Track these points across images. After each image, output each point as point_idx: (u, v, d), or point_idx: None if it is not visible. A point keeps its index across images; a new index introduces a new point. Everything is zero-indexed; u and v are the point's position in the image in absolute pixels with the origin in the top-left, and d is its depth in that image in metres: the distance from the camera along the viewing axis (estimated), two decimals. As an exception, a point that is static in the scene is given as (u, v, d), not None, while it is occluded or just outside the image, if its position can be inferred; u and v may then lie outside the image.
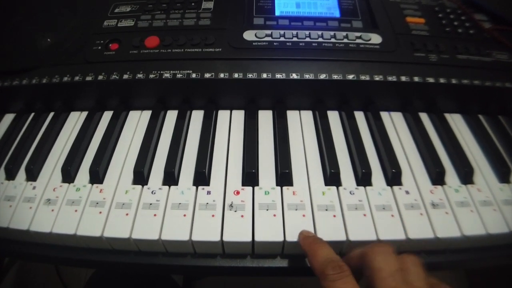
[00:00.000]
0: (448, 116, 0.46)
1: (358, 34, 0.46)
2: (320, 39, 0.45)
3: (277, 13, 0.50)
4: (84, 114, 0.47)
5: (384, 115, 0.45)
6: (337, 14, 0.50)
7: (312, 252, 0.29)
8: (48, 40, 0.48)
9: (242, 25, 0.47)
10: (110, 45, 0.47)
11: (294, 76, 0.42)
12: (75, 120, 0.46)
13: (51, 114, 0.47)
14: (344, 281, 0.26)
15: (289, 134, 0.43)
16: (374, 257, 0.27)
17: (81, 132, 0.44)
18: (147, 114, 0.45)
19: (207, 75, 0.42)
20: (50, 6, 0.51)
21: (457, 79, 0.44)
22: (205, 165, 0.38)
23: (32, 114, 0.47)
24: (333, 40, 0.45)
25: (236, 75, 0.42)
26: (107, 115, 0.46)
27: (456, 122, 0.46)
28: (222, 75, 0.42)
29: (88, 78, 0.44)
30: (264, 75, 0.42)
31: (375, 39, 0.46)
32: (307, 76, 0.42)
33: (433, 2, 0.53)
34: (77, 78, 0.45)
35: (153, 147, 0.42)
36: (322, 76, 0.42)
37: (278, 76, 0.42)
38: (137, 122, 0.45)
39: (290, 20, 0.49)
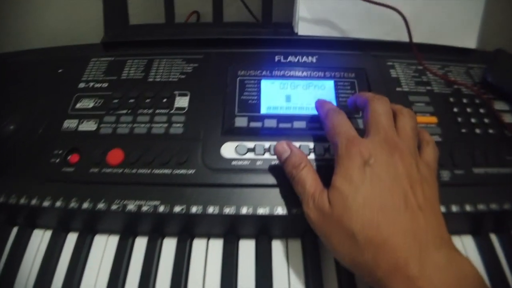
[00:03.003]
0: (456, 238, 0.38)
1: (357, 145, 0.37)
2: (312, 155, 0.37)
3: (263, 110, 0.40)
4: (48, 233, 0.39)
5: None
6: (333, 109, 0.41)
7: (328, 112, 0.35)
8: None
9: (221, 132, 0.38)
10: (69, 157, 0.38)
11: (280, 211, 0.34)
12: (39, 241, 0.39)
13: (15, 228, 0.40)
14: (342, 116, 0.33)
15: (273, 268, 0.35)
16: (374, 101, 0.33)
17: (45, 260, 0.37)
18: (114, 240, 0.38)
19: (177, 209, 0.34)
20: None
21: (472, 205, 0.36)
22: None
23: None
24: (327, 156, 0.37)
25: (211, 210, 0.34)
26: (72, 237, 0.39)
27: (465, 244, 0.38)
28: (194, 209, 0.34)
29: (45, 204, 0.36)
30: (244, 210, 0.34)
31: (378, 152, 0.38)
32: (295, 211, 0.34)
33: (447, 90, 0.43)
34: (34, 201, 0.36)
35: (121, 283, 0.35)
36: (313, 211, 0.34)
37: (261, 211, 0.34)
38: (103, 249, 0.38)
39: (278, 121, 0.40)
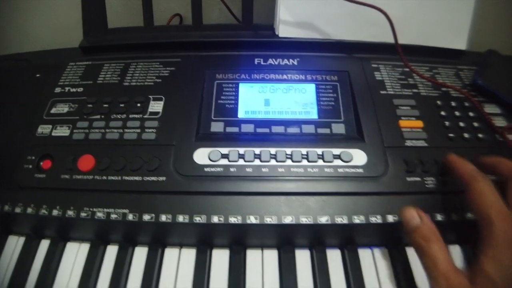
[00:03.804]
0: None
1: (337, 151, 0.35)
2: (289, 162, 0.35)
3: (240, 114, 0.39)
4: (22, 240, 0.38)
5: (365, 252, 0.35)
6: (314, 114, 0.39)
7: (462, 164, 0.33)
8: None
9: (195, 138, 0.36)
10: (42, 162, 0.37)
11: (252, 220, 0.32)
12: (13, 248, 0.38)
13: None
14: (488, 183, 0.30)
15: (246, 278, 0.33)
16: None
17: (17, 267, 0.35)
18: (85, 248, 0.36)
19: (146, 217, 0.33)
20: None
21: (458, 215, 0.33)
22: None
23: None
24: (304, 163, 0.35)
25: (180, 218, 0.32)
26: (45, 244, 0.37)
27: (453, 254, 0.35)
28: (164, 218, 0.33)
29: (17, 210, 0.35)
30: (215, 219, 0.32)
31: (358, 158, 0.35)
32: (268, 220, 0.32)
33: (435, 92, 0.41)
34: (6, 208, 0.35)
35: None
36: (287, 220, 0.32)
37: (232, 220, 0.32)
38: (75, 257, 0.36)
39: (255, 126, 0.38)
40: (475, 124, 0.39)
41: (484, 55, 0.46)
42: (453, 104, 0.40)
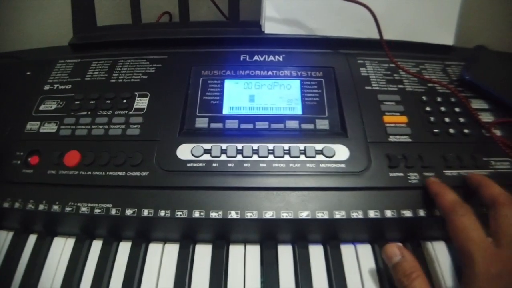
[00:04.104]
0: (429, 245, 0.35)
1: (319, 147, 0.35)
2: (271, 157, 0.35)
3: (225, 110, 0.39)
4: (11, 235, 0.38)
5: (348, 248, 0.35)
6: (299, 110, 0.39)
7: (442, 193, 0.32)
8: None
9: (178, 134, 0.36)
10: (30, 158, 0.37)
11: (233, 214, 0.32)
12: (2, 242, 0.38)
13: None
14: (469, 217, 0.29)
15: (229, 273, 0.33)
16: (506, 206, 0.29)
17: (5, 262, 0.36)
18: (71, 243, 0.36)
19: (128, 212, 0.33)
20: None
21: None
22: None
23: None
24: (286, 158, 0.35)
25: (162, 213, 0.32)
26: (32, 239, 0.37)
27: (437, 251, 0.34)
28: (146, 213, 0.33)
29: (5, 205, 0.35)
30: (196, 214, 0.32)
31: (341, 153, 0.35)
32: (249, 215, 0.32)
33: (420, 88, 0.40)
34: (-5, 202, 0.36)
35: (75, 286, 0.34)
36: (268, 215, 0.32)
37: (213, 215, 0.32)
38: (61, 252, 0.36)
39: (240, 121, 0.38)
40: (461, 119, 0.39)
41: (473, 51, 0.46)
42: (438, 99, 0.40)
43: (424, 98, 0.40)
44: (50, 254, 0.36)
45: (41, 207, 0.35)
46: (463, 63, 0.44)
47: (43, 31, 0.49)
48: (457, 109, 0.39)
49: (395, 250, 0.31)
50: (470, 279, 0.27)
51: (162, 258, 0.35)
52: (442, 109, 0.39)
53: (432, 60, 0.44)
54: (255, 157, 0.35)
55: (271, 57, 0.42)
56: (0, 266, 0.36)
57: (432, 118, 0.38)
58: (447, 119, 0.38)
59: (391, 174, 0.34)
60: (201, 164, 0.34)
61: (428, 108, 0.39)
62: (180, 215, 0.32)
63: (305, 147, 0.35)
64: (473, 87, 0.41)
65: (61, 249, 0.37)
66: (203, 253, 0.35)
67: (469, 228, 0.29)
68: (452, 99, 0.40)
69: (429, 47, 0.45)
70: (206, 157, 0.35)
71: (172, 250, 0.35)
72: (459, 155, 0.36)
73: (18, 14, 0.51)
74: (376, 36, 0.42)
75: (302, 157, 0.35)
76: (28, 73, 0.44)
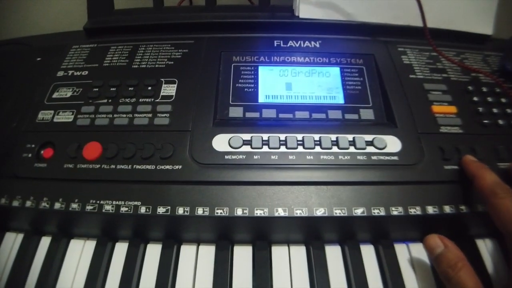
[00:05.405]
0: (480, 243, 0.32)
1: (369, 137, 0.31)
2: (318, 149, 0.31)
3: (261, 99, 0.35)
4: (21, 236, 0.33)
5: (401, 248, 0.31)
6: (340, 99, 0.35)
7: (480, 174, 0.29)
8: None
9: (212, 123, 0.32)
10: (43, 151, 0.33)
11: (281, 212, 0.28)
12: (10, 246, 0.33)
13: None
14: (511, 198, 0.27)
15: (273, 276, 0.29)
16: None
17: (15, 266, 0.31)
18: (91, 246, 0.32)
19: (160, 210, 0.28)
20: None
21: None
22: None
23: None
24: (335, 149, 0.31)
25: (200, 211, 0.28)
26: (45, 242, 0.32)
27: (489, 248, 0.32)
28: (181, 211, 0.28)
29: (15, 203, 0.31)
30: (239, 211, 0.28)
31: (392, 145, 0.31)
32: (298, 213, 0.28)
33: (465, 78, 0.37)
34: (3, 201, 0.31)
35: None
36: (320, 212, 0.28)
37: (258, 212, 0.28)
38: (79, 255, 0.31)
39: (277, 111, 0.34)
40: (508, 110, 0.36)
41: (510, 41, 0.43)
42: (484, 89, 0.37)
43: (469, 88, 0.36)
44: (66, 258, 0.31)
45: (57, 205, 0.30)
46: (501, 53, 0.41)
47: (51, 18, 0.45)
48: (503, 100, 0.36)
49: (437, 241, 0.28)
50: None
51: (197, 261, 0.30)
52: (489, 99, 0.36)
53: (471, 50, 0.41)
54: (300, 149, 0.31)
55: (307, 43, 0.38)
56: (9, 273, 0.31)
57: (480, 109, 0.35)
58: (495, 110, 0.35)
59: (446, 167, 0.31)
60: (240, 156, 0.30)
61: (475, 98, 0.36)
62: (221, 213, 0.28)
63: (354, 138, 0.31)
64: (516, 77, 0.39)
65: (79, 252, 0.32)
66: (243, 255, 0.30)
67: (510, 209, 0.26)
68: (497, 90, 0.37)
69: (465, 36, 0.42)
70: (246, 148, 0.31)
71: (208, 252, 0.31)
72: (509, 147, 0.33)
73: (27, 0, 0.46)
74: (413, 23, 0.39)
75: (352, 149, 0.31)
76: (38, 59, 0.39)
